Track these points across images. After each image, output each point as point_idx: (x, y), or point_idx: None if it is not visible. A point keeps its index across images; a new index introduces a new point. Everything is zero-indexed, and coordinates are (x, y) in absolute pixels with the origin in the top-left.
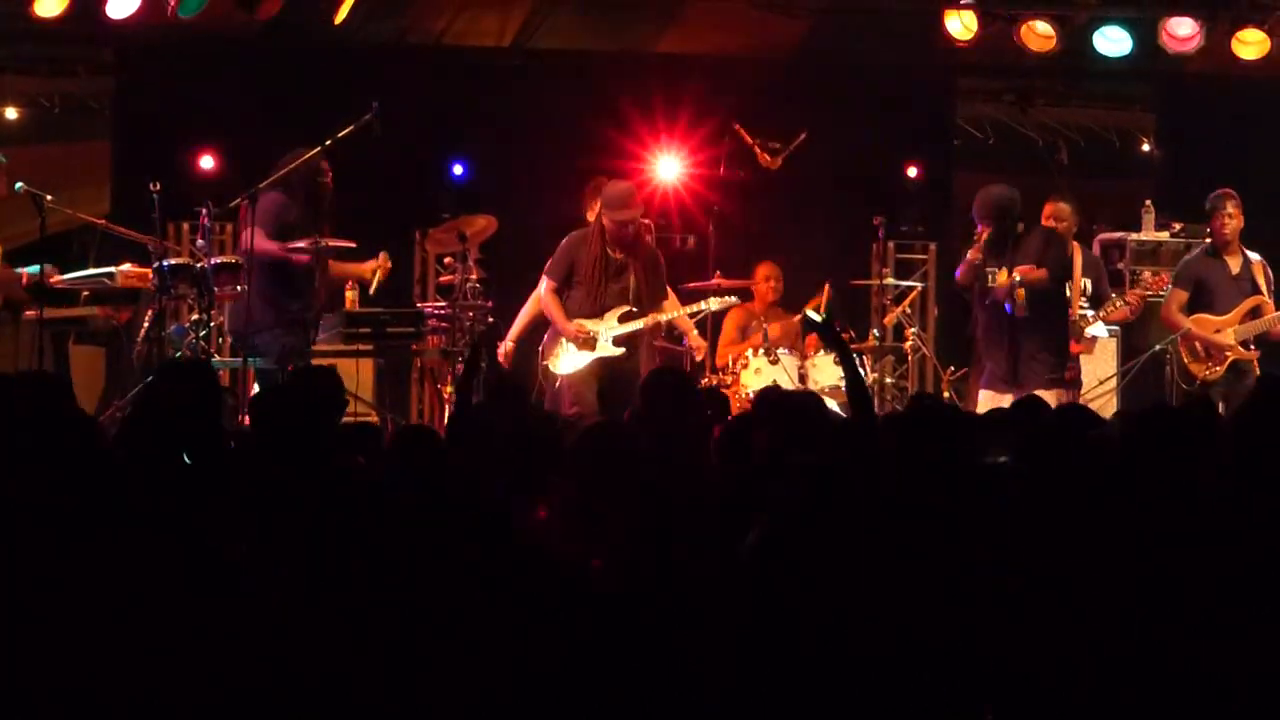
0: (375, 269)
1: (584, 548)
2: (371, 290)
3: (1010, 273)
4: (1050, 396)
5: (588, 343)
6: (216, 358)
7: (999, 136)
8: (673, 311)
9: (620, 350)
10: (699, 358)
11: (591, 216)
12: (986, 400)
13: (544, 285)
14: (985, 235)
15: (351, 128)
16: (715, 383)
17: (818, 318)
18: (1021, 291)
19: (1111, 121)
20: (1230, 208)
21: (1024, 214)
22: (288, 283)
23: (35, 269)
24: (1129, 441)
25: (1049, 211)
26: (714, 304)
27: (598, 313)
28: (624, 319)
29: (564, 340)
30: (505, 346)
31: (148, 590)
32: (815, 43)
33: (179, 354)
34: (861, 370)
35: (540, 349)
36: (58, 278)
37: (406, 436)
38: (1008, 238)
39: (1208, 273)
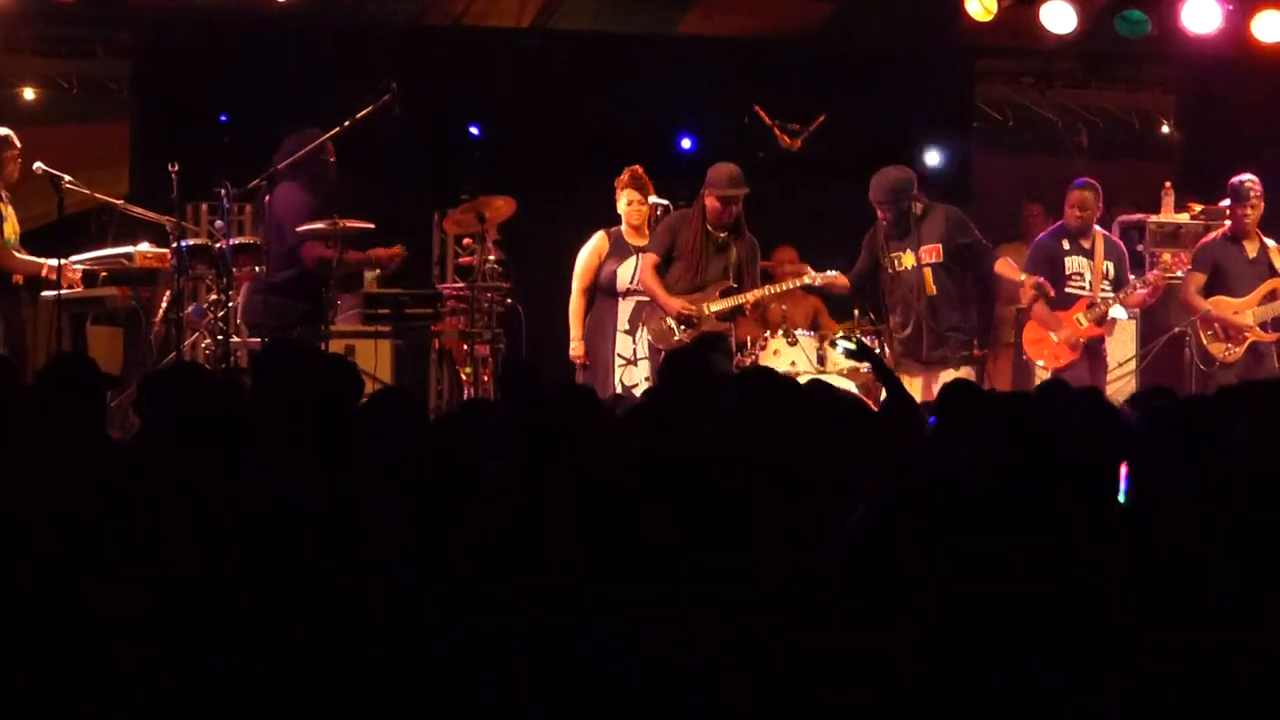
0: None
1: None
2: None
3: (915, 254)
4: (964, 374)
5: (691, 320)
6: (235, 338)
7: (1018, 118)
8: (774, 288)
9: (724, 325)
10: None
11: (620, 206)
12: None
13: (645, 260)
14: (888, 218)
15: (370, 108)
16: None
17: (850, 345)
18: (928, 272)
19: (1131, 103)
20: (1254, 197)
21: (1033, 195)
22: (310, 275)
23: (55, 263)
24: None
25: (1073, 200)
26: (817, 279)
27: (699, 287)
28: (725, 294)
29: (666, 318)
30: (576, 348)
31: None
32: (835, 24)
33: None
34: (883, 351)
35: (642, 324)
36: (75, 272)
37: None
38: (907, 219)
39: (1224, 256)
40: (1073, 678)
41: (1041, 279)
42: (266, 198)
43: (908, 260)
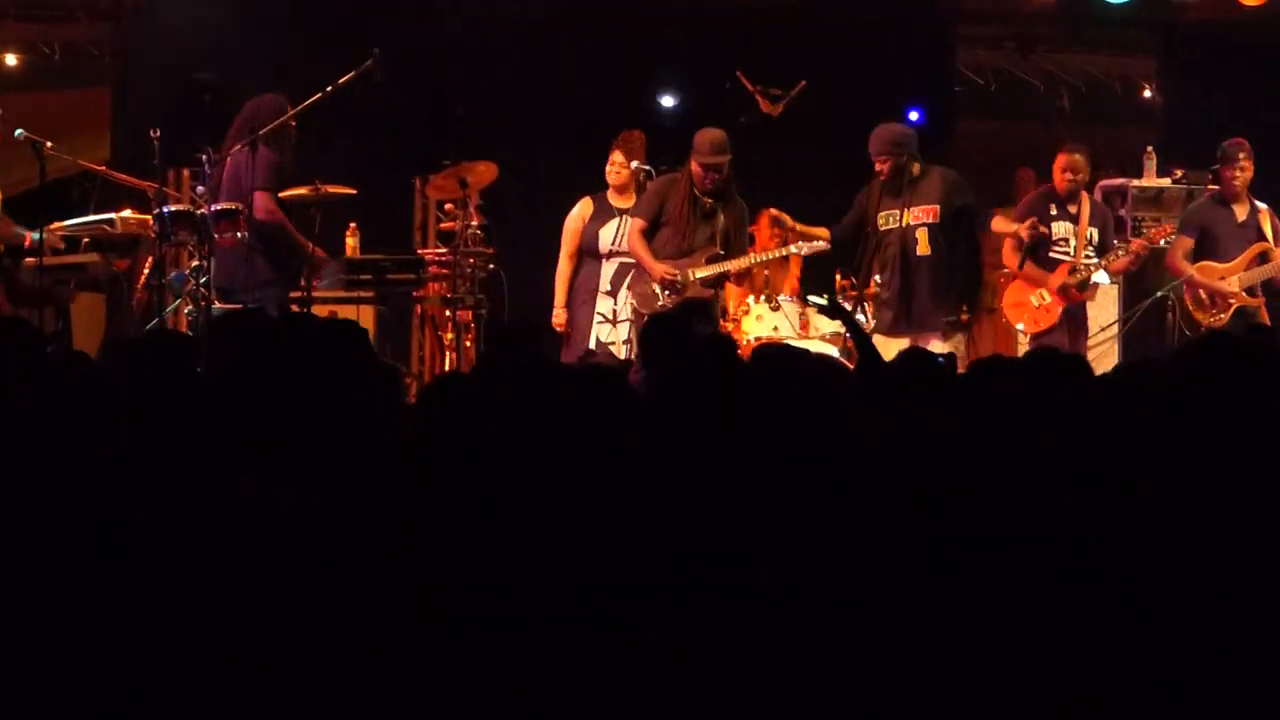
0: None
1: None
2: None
3: (908, 213)
4: (944, 342)
5: (675, 286)
6: (216, 305)
7: (1000, 83)
8: (759, 256)
9: (708, 292)
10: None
11: (609, 169)
12: (876, 345)
13: (632, 225)
14: (885, 170)
15: (353, 74)
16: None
17: (821, 301)
18: (922, 233)
19: (1113, 68)
20: (1243, 159)
21: (1017, 160)
22: (285, 237)
23: (38, 236)
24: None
25: (1064, 164)
26: (803, 249)
27: (686, 253)
28: (711, 260)
29: (651, 283)
30: (559, 315)
31: None
32: None
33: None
34: (863, 317)
35: (627, 288)
36: (58, 237)
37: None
38: (903, 175)
39: (1214, 220)
40: (1073, 678)
41: (1035, 219)
42: (229, 162)
43: (898, 219)
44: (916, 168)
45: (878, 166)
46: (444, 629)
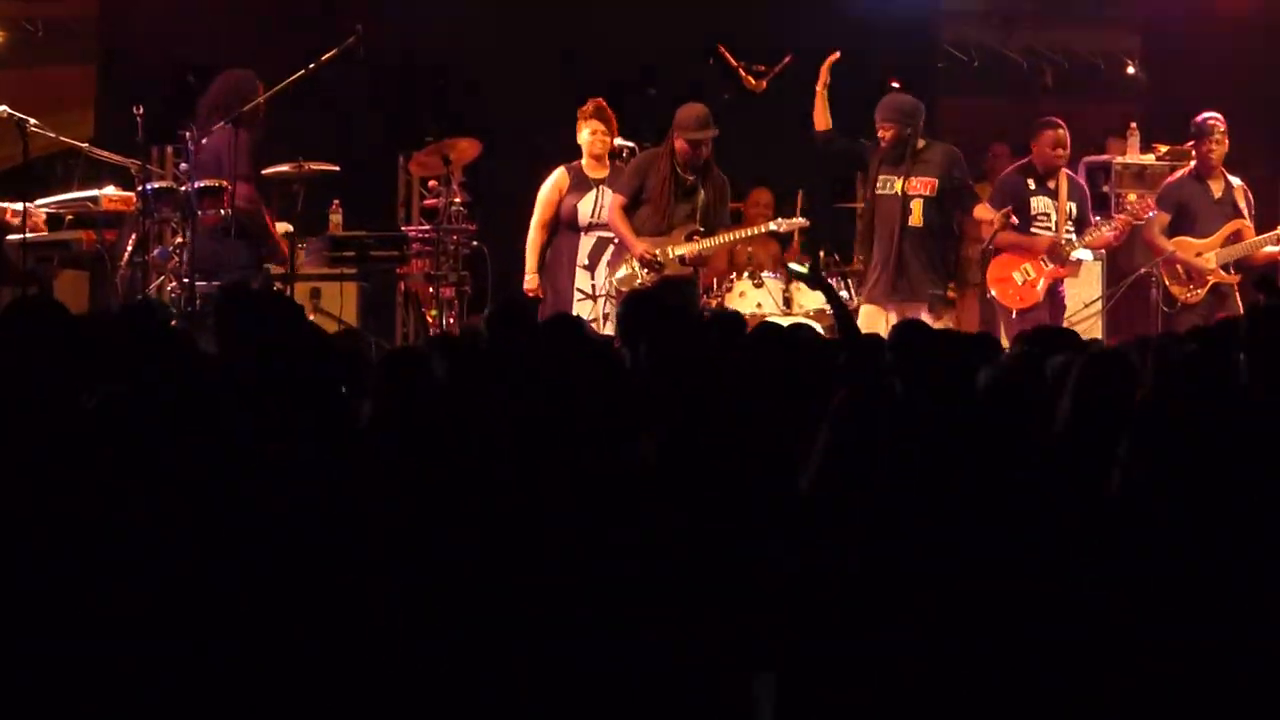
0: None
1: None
2: None
3: (905, 183)
4: (934, 318)
5: (654, 263)
6: (200, 282)
7: (984, 59)
8: (738, 233)
9: (687, 270)
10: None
11: (583, 136)
12: (865, 316)
13: (613, 201)
14: (888, 138)
15: (335, 51)
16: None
17: (802, 269)
18: (917, 204)
19: (1097, 44)
20: (1218, 134)
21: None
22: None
23: (19, 206)
24: None
25: (1054, 139)
26: (782, 226)
27: (665, 231)
28: (690, 238)
29: (630, 259)
30: (530, 281)
31: None
32: None
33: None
34: (847, 293)
35: (606, 264)
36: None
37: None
38: (906, 145)
39: (1190, 196)
40: (1073, 678)
41: (1010, 209)
42: (204, 140)
43: (896, 186)
44: (921, 141)
45: (881, 133)
46: (444, 629)
